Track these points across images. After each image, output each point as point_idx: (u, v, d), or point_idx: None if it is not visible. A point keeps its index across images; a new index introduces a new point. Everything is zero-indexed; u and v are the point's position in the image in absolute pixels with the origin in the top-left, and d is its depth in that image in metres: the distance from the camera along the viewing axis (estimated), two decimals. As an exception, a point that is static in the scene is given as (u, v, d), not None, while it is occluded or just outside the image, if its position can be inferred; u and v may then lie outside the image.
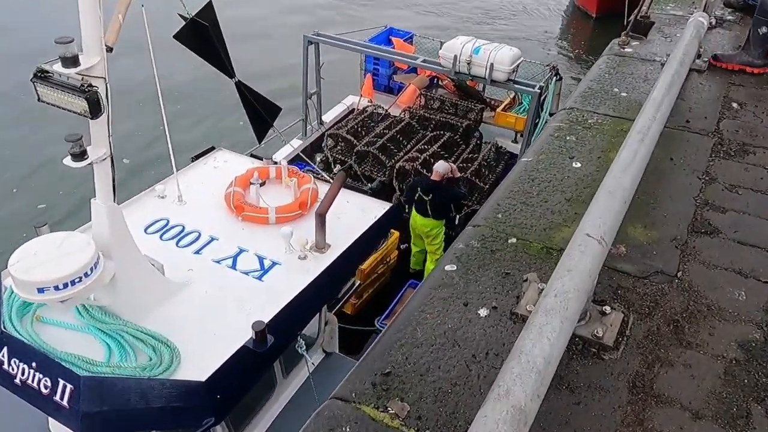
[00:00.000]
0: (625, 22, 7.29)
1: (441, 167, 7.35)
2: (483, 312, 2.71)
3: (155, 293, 4.35)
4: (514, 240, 3.14)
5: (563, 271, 2.30)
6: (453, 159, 8.72)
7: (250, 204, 5.35)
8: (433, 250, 7.84)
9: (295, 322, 4.54)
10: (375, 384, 2.45)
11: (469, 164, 8.54)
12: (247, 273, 4.78)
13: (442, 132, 9.07)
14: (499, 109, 9.97)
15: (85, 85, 3.11)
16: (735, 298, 2.84)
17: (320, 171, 5.95)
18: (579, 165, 3.75)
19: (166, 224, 5.27)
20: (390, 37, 10.71)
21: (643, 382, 2.50)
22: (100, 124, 3.56)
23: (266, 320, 4.16)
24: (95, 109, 3.27)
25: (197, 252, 4.97)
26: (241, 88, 4.35)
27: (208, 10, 3.99)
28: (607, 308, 2.67)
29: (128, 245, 4.07)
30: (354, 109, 10.64)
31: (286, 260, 4.93)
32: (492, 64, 7.95)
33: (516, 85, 8.30)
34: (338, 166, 9.12)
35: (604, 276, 2.85)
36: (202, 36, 3.96)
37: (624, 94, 4.77)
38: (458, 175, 7.62)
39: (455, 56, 8.08)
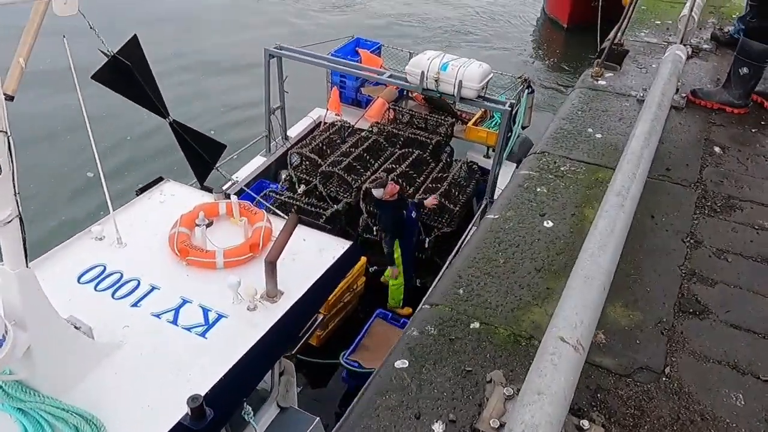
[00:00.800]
0: (597, 43, 6.98)
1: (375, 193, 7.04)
2: (438, 428, 2.32)
3: (80, 362, 3.87)
4: (476, 324, 2.76)
5: (532, 394, 1.92)
6: (422, 178, 8.34)
7: (195, 247, 4.87)
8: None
9: (241, 387, 4.11)
10: None
11: (439, 184, 8.16)
12: (189, 329, 4.32)
13: (410, 150, 8.67)
14: (470, 123, 9.61)
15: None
16: (732, 402, 2.50)
17: (274, 209, 5.49)
18: (551, 224, 3.38)
19: (103, 271, 4.78)
20: (357, 48, 10.26)
21: None
22: (3, 181, 3.08)
23: (207, 387, 3.74)
24: (-19, 172, 2.80)
25: (135, 304, 4.49)
26: (177, 128, 3.88)
27: (133, 46, 3.51)
28: (585, 423, 2.29)
29: (44, 312, 3.59)
30: (321, 122, 10.19)
31: (233, 312, 4.48)
32: (461, 81, 7.56)
33: (486, 102, 7.93)
34: (302, 186, 8.68)
35: (580, 374, 2.50)
36: (127, 74, 3.49)
37: (599, 136, 4.42)
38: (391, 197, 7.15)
39: (422, 72, 7.67)
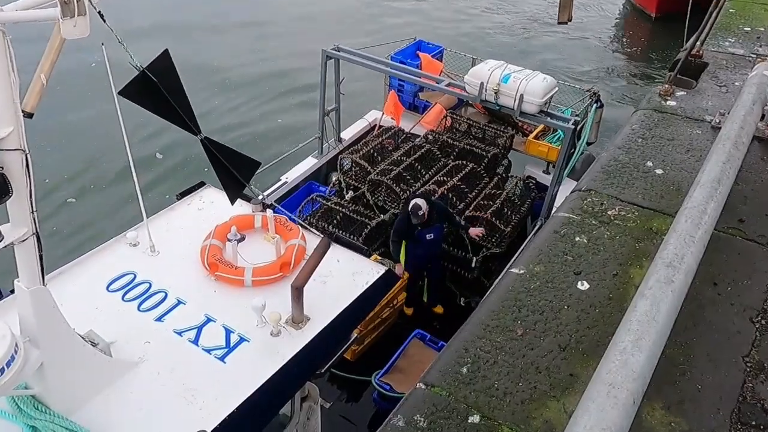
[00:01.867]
0: (684, 39, 6.29)
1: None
2: None
3: (95, 380, 3.80)
4: (476, 418, 2.39)
5: None
6: (474, 193, 7.95)
7: (226, 262, 4.74)
8: None
9: (255, 419, 3.93)
10: None
11: (491, 201, 7.75)
12: (209, 351, 4.18)
13: (464, 162, 8.29)
14: (531, 137, 9.12)
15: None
16: None
17: (310, 228, 5.26)
18: (586, 286, 2.94)
19: (132, 279, 4.72)
20: (418, 51, 9.93)
21: None
22: (18, 200, 3.00)
23: (220, 419, 3.59)
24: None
25: (159, 319, 4.40)
26: (208, 145, 3.70)
27: (164, 60, 3.34)
28: None
29: (59, 330, 3.52)
30: (376, 125, 9.94)
31: (256, 336, 4.32)
32: (522, 95, 7.12)
33: (549, 119, 7.45)
34: (350, 192, 8.47)
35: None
36: (158, 89, 3.32)
37: (659, 172, 3.91)
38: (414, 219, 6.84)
39: (482, 83, 7.28)
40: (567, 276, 3.04)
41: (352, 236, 7.65)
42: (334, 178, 8.86)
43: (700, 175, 3.32)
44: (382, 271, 4.91)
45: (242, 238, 4.90)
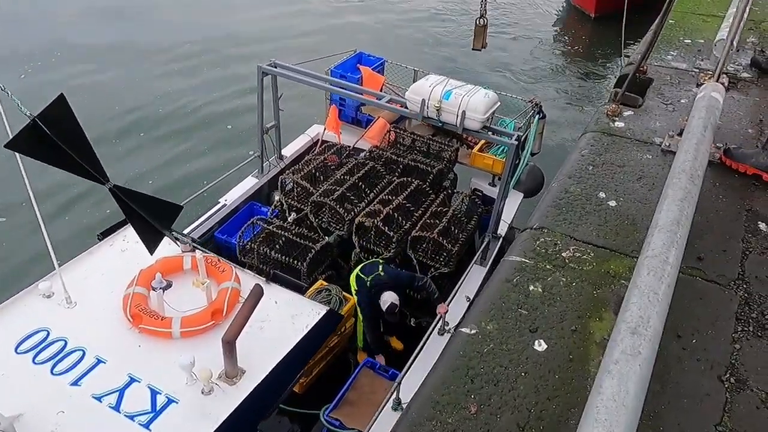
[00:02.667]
0: (622, 41, 6.19)
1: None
2: None
3: (-6, 468, 3.33)
4: None
5: None
6: (420, 211, 7.71)
7: (151, 312, 4.33)
8: None
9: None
10: None
11: (437, 220, 7.53)
12: (132, 417, 3.77)
13: (409, 179, 8.04)
14: (475, 149, 8.96)
15: None
16: None
17: (240, 268, 4.87)
18: (543, 347, 2.70)
19: (45, 337, 4.24)
20: (358, 64, 9.64)
21: None
22: None
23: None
24: None
25: (75, 383, 3.96)
26: (118, 194, 3.30)
27: (58, 106, 2.92)
28: None
29: None
30: (319, 140, 9.59)
31: (185, 396, 3.93)
32: (464, 111, 6.91)
33: (492, 135, 7.28)
34: (293, 215, 8.08)
35: None
36: (53, 139, 2.91)
37: (612, 204, 3.73)
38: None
39: (423, 100, 7.03)
40: (522, 335, 2.79)
41: (295, 261, 7.29)
42: (276, 197, 8.45)
43: (657, 216, 3.12)
44: (324, 312, 4.60)
45: (168, 285, 4.49)
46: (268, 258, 7.46)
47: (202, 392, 3.92)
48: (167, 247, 5.10)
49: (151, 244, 3.61)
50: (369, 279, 6.70)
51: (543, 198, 4.11)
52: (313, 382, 6.94)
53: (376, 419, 4.78)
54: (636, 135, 4.58)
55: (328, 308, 4.63)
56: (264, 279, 4.78)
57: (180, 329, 4.22)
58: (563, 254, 3.31)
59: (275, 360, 4.17)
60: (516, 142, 7.07)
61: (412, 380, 4.46)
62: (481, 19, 5.97)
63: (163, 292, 4.39)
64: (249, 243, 7.61)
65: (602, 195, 3.84)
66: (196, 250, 4.83)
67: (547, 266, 3.21)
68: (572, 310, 2.93)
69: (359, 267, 6.89)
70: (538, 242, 3.37)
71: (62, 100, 2.90)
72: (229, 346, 3.85)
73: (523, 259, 3.27)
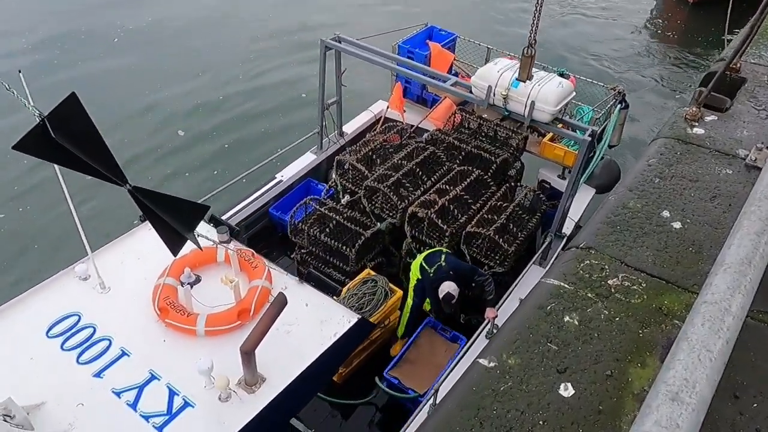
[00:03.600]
0: (726, 27, 5.50)
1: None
2: None
3: (8, 461, 3.37)
4: None
5: None
6: (478, 204, 7.29)
7: (178, 306, 4.25)
8: None
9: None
10: None
11: (496, 216, 7.09)
12: (148, 418, 3.73)
13: (470, 168, 7.60)
14: (546, 138, 8.36)
15: None
16: None
17: (274, 266, 4.68)
18: (571, 392, 2.31)
19: (76, 323, 4.27)
20: (428, 39, 9.15)
21: None
22: None
23: None
24: None
25: (98, 374, 3.95)
26: (138, 196, 3.15)
27: (71, 105, 2.77)
28: None
29: None
30: (381, 117, 9.28)
31: (203, 400, 3.84)
32: (533, 102, 6.37)
33: (563, 129, 6.69)
34: (347, 197, 7.88)
35: None
36: (66, 140, 2.77)
37: (677, 225, 3.19)
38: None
39: (489, 87, 6.53)
40: (548, 374, 2.43)
41: (345, 246, 7.11)
42: (332, 178, 8.27)
43: (725, 251, 2.63)
44: (354, 320, 4.37)
45: (197, 280, 4.39)
46: (317, 240, 7.32)
47: (220, 398, 3.81)
48: (207, 234, 5.00)
49: (174, 246, 3.49)
50: (432, 270, 6.44)
51: (596, 213, 3.64)
52: (354, 373, 6.83)
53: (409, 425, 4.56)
54: (717, 144, 3.96)
55: (360, 317, 4.39)
56: (297, 279, 4.60)
57: (205, 328, 4.13)
58: (609, 281, 2.88)
59: (298, 370, 4.00)
60: (589, 138, 6.48)
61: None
62: (529, 49, 5.37)
63: (191, 287, 4.30)
64: (300, 223, 7.49)
65: (666, 214, 3.33)
66: (232, 242, 4.70)
67: (589, 294, 2.79)
68: (610, 350, 2.53)
69: (423, 256, 6.62)
70: (582, 264, 2.95)
71: (74, 98, 2.75)
72: (247, 356, 3.71)
73: (562, 284, 2.86)
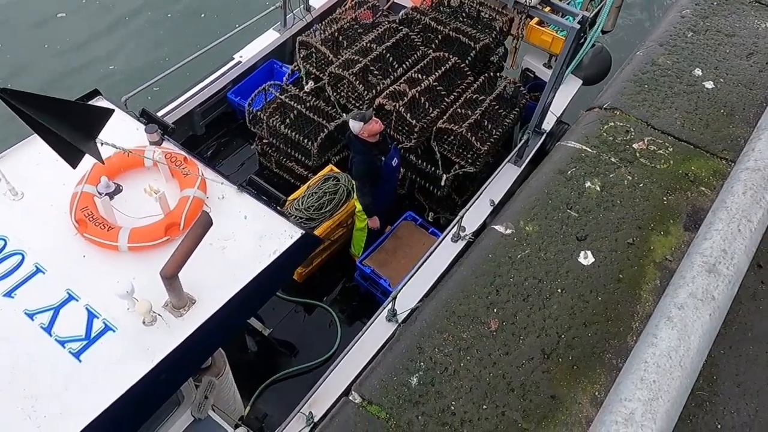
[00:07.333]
0: None
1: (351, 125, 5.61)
2: None
3: None
4: None
5: None
6: (452, 97, 6.68)
7: (98, 219, 3.78)
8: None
9: (115, 435, 3.26)
10: None
11: (470, 111, 6.51)
12: (63, 343, 3.41)
13: (446, 54, 6.89)
14: (533, 21, 7.54)
15: None
16: None
17: (218, 173, 4.18)
18: (590, 260, 2.06)
19: None
20: None
21: None
22: None
23: (62, 443, 2.92)
24: None
25: (9, 294, 3.57)
26: (14, 103, 2.57)
27: None
28: None
29: None
30: (356, -12, 8.29)
31: (125, 324, 3.51)
32: (518, -20, 5.56)
33: (550, 13, 5.92)
34: (311, 83, 7.20)
35: None
36: None
37: (709, 86, 2.77)
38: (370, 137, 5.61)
39: (471, -38, 5.68)
40: (567, 242, 2.17)
41: (306, 139, 6.59)
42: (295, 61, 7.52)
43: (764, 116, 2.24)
44: (298, 235, 3.97)
45: (117, 190, 3.89)
46: (277, 132, 6.76)
47: (144, 322, 3.48)
48: (135, 134, 4.45)
49: (73, 158, 2.97)
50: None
51: (621, 69, 3.12)
52: (313, 273, 6.60)
53: (367, 328, 4.30)
54: (762, -11, 3.37)
55: (303, 232, 3.98)
56: (236, 188, 4.13)
57: (128, 243, 3.70)
58: (635, 145, 2.56)
59: (233, 290, 3.65)
60: (578, 26, 5.75)
61: (415, 287, 3.99)
62: None
63: (111, 198, 3.82)
64: (259, 112, 6.88)
65: (698, 72, 2.91)
66: (164, 142, 4.15)
67: (612, 159, 2.47)
68: (633, 218, 2.25)
69: None
70: (606, 126, 2.61)
71: None
72: (169, 281, 3.33)
73: (584, 147, 2.54)
